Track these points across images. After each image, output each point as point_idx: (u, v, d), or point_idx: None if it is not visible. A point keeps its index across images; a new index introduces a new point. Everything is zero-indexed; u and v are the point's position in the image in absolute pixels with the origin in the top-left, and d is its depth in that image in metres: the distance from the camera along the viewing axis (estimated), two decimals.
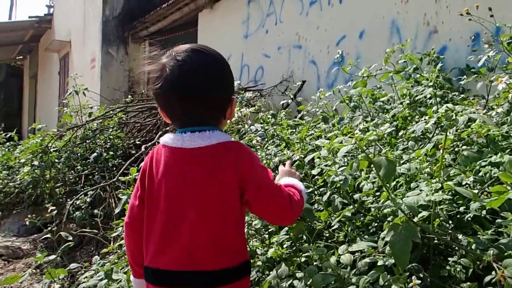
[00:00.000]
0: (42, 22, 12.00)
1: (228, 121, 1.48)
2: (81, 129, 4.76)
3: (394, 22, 3.62)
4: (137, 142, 4.48)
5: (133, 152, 4.25)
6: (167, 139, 1.27)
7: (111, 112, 4.86)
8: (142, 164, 1.36)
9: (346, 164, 1.86)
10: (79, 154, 4.59)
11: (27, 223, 2.86)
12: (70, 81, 5.04)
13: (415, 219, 1.38)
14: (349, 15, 4.06)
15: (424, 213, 1.39)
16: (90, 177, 4.26)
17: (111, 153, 4.37)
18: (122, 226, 2.35)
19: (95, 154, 4.34)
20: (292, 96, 3.57)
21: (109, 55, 8.44)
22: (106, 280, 2.15)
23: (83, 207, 3.71)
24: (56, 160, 4.50)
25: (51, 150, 4.51)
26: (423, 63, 2.90)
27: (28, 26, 12.19)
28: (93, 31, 8.85)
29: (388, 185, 1.41)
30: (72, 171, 4.49)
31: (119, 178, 3.36)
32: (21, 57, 16.02)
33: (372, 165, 1.36)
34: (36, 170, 4.32)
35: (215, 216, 1.23)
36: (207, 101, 1.25)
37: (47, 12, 12.82)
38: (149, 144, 4.02)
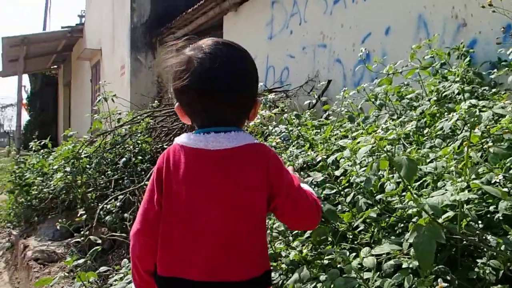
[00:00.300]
0: (74, 31, 12.34)
1: (252, 123, 1.40)
2: (111, 135, 4.84)
3: (421, 17, 3.54)
4: (165, 146, 4.52)
5: None
6: (186, 139, 1.18)
7: (138, 117, 4.93)
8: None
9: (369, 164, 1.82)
10: (109, 159, 4.67)
11: (58, 227, 2.93)
12: (99, 88, 5.14)
13: (441, 220, 1.33)
14: (374, 12, 3.99)
15: (450, 213, 1.34)
16: (120, 181, 4.33)
17: (140, 157, 4.43)
18: None
19: (124, 159, 4.41)
20: (317, 96, 3.53)
21: (137, 61, 8.58)
22: None
23: (113, 211, 3.77)
24: (87, 166, 4.59)
25: (82, 156, 4.60)
26: (452, 58, 2.82)
27: (61, 36, 12.56)
28: (122, 38, 9.02)
29: (410, 185, 1.36)
30: (102, 176, 4.57)
31: (146, 182, 3.40)
32: (55, 66, 16.51)
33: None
34: (68, 176, 4.42)
35: (239, 222, 1.16)
36: (235, 98, 1.17)
37: (79, 22, 13.18)
38: None
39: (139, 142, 4.61)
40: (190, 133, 1.21)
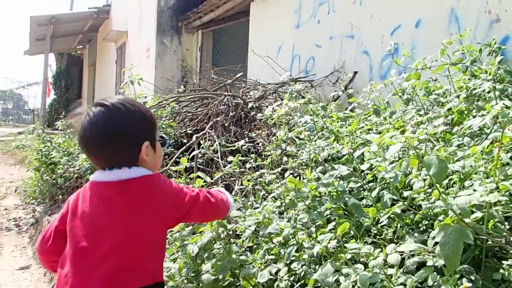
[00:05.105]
0: (101, 12, 12.43)
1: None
2: None
3: (453, 10, 3.47)
4: (189, 131, 4.56)
5: (184, 141, 4.34)
6: (95, 175, 1.43)
7: (164, 102, 4.98)
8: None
9: (397, 159, 1.82)
10: None
11: None
12: (126, 71, 5.19)
13: (468, 220, 1.33)
14: (405, 3, 3.94)
15: (478, 214, 1.34)
16: None
17: None
18: None
19: None
20: (343, 88, 3.51)
21: (163, 45, 8.63)
22: None
23: None
24: None
25: None
26: (483, 54, 2.77)
27: (88, 17, 12.68)
28: (148, 21, 9.07)
29: (440, 184, 1.37)
30: None
31: (170, 167, 3.44)
32: (81, 46, 16.71)
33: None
34: None
35: (134, 244, 1.34)
36: (111, 150, 1.38)
37: (106, 3, 13.27)
38: (200, 133, 4.09)
39: (163, 126, 4.66)
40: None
